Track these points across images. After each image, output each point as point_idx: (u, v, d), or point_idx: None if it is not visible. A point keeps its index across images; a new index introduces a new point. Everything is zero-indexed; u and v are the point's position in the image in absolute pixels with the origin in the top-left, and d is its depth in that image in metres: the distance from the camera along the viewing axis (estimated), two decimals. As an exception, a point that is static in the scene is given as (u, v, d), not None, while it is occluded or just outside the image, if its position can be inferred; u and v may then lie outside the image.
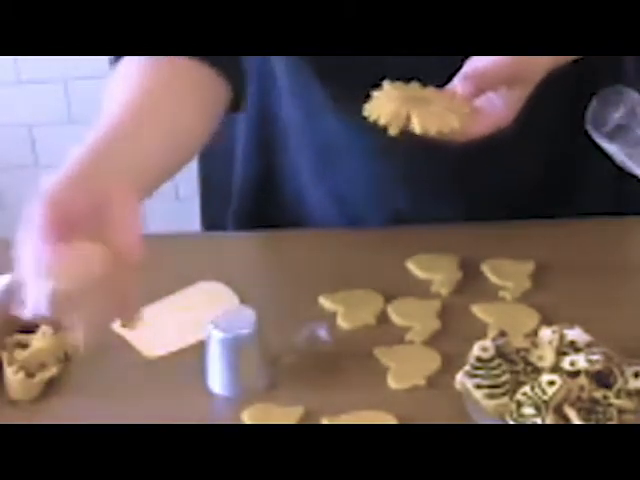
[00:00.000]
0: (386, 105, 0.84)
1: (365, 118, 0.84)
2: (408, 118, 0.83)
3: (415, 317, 0.92)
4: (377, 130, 0.84)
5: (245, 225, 1.14)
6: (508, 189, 1.08)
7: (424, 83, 0.87)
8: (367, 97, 0.85)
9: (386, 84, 0.86)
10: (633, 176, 0.89)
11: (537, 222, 1.06)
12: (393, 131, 0.83)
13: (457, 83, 0.85)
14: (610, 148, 0.88)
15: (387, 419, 0.80)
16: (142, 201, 0.79)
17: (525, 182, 1.08)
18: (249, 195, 1.14)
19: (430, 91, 0.86)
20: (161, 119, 0.87)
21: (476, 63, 0.86)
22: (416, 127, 0.83)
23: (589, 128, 0.89)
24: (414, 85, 0.87)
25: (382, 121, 0.83)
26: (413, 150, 0.92)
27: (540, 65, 0.87)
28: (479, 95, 0.85)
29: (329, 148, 1.07)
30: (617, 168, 0.89)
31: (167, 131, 0.87)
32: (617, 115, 0.88)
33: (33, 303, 0.70)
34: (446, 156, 0.93)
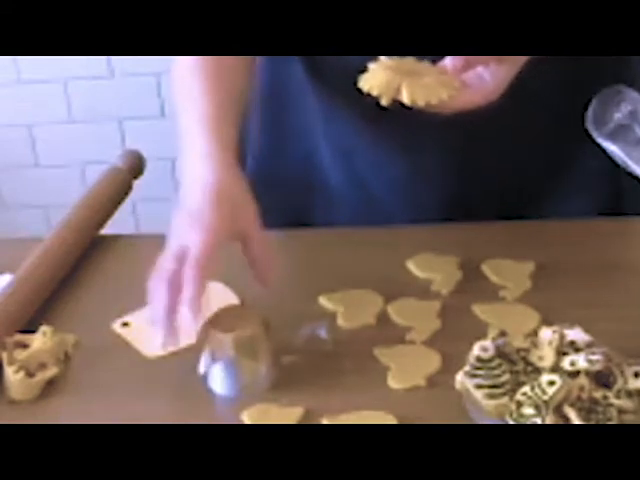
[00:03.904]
0: (379, 76, 0.85)
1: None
2: (399, 90, 0.84)
3: (415, 317, 0.92)
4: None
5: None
6: (506, 188, 1.08)
7: (419, 58, 0.88)
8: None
9: (382, 57, 0.87)
10: (634, 176, 0.89)
11: (537, 222, 1.06)
12: (384, 102, 0.84)
13: (448, 57, 0.86)
14: (610, 148, 0.88)
15: (387, 419, 0.80)
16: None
17: (524, 181, 1.08)
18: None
19: (423, 65, 0.87)
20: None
21: None
22: (405, 98, 0.84)
23: (589, 128, 0.89)
24: (409, 59, 0.88)
25: (375, 92, 0.84)
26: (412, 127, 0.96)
27: None
28: (469, 69, 0.86)
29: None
30: (617, 168, 0.89)
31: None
32: (617, 115, 0.88)
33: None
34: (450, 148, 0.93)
